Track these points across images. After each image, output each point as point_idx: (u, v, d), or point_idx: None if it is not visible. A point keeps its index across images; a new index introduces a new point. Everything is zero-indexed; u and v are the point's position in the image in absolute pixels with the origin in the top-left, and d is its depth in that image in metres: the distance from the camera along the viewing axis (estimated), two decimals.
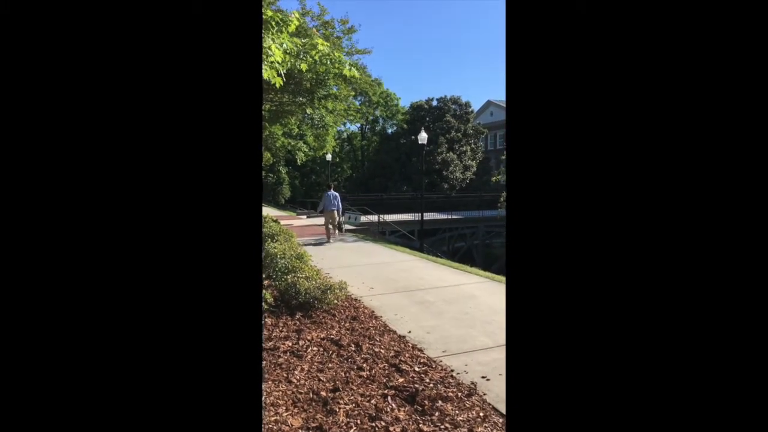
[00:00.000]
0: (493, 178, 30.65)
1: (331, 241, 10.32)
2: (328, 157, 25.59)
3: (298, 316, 4.30)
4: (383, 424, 2.44)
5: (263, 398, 2.68)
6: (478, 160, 31.97)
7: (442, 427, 2.43)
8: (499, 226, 20.71)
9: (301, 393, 2.78)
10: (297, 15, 3.01)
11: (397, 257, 8.28)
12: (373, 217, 16.88)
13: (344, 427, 2.41)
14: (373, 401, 2.68)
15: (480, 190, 27.56)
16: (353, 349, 3.53)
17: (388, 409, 2.59)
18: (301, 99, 9.45)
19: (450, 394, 2.77)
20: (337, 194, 10.42)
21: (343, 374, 3.06)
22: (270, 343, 3.59)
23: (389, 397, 2.73)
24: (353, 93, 12.06)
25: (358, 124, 36.99)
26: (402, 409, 2.61)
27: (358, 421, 2.46)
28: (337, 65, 3.39)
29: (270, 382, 2.91)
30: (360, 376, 3.03)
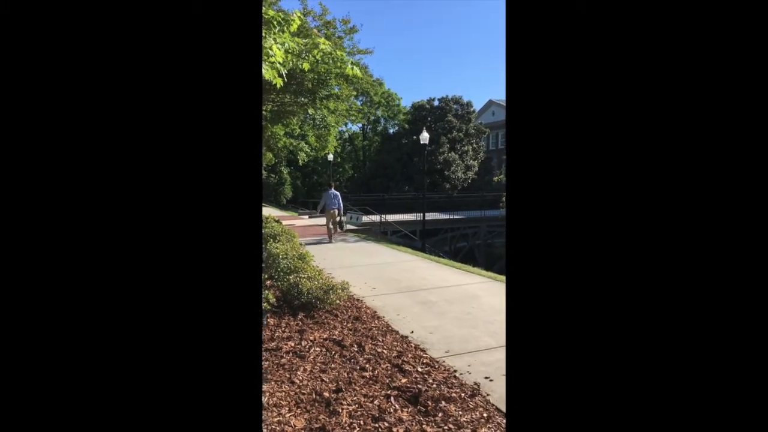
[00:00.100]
0: (495, 178, 30.71)
1: (333, 241, 10.33)
2: (330, 157, 25.61)
3: (300, 317, 4.30)
4: (386, 424, 2.43)
5: (266, 399, 2.67)
6: (479, 160, 31.95)
7: (446, 428, 2.41)
8: (501, 226, 20.67)
9: (304, 393, 2.77)
10: (299, 14, 3.01)
11: (399, 257, 8.27)
12: (375, 217, 16.88)
13: (347, 427, 2.40)
14: (376, 402, 2.67)
15: (482, 190, 27.55)
16: (356, 349, 3.52)
17: (392, 410, 2.58)
18: (302, 99, 9.45)
19: (453, 394, 2.76)
20: (337, 193, 10.47)
21: (345, 375, 3.05)
22: (273, 344, 3.58)
23: (392, 398, 2.72)
24: (355, 93, 12.06)
25: (360, 125, 37.03)
26: (405, 409, 2.60)
27: (361, 422, 2.45)
28: (339, 64, 3.38)
29: (273, 383, 2.90)
30: (363, 377, 3.02)
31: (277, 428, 2.39)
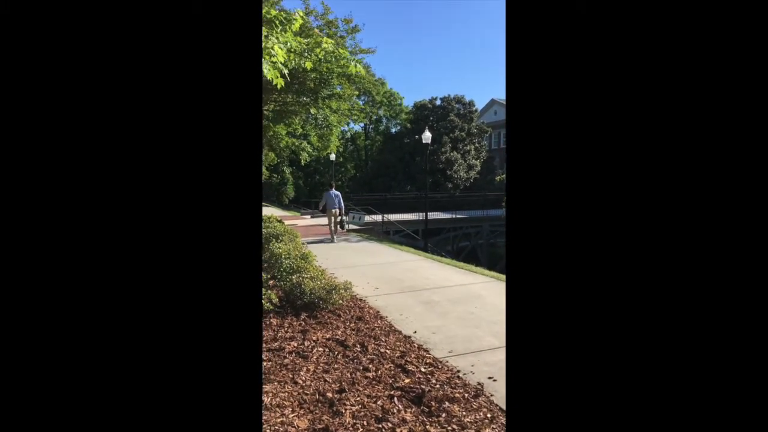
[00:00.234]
0: (498, 178, 30.65)
1: (335, 240, 10.34)
2: (332, 157, 25.61)
3: (303, 317, 4.29)
4: (390, 425, 2.42)
5: (269, 399, 2.67)
6: (482, 159, 31.90)
7: (449, 428, 2.40)
8: (504, 226, 20.57)
9: (307, 394, 2.76)
10: (301, 14, 3.00)
11: (401, 257, 8.27)
12: (377, 217, 16.88)
13: (351, 428, 2.40)
14: (379, 402, 2.66)
15: (484, 190, 27.50)
16: (359, 349, 3.51)
17: (395, 411, 2.57)
18: (304, 99, 9.46)
19: (457, 395, 2.75)
20: (338, 193, 10.53)
21: (349, 375, 3.04)
22: (275, 344, 3.57)
23: (396, 398, 2.71)
24: (357, 92, 12.06)
25: (362, 124, 37.04)
26: (409, 410, 2.59)
27: (365, 423, 2.44)
28: (342, 62, 3.37)
29: (276, 383, 2.89)
30: (366, 377, 3.01)
31: (281, 429, 2.38)
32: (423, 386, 2.86)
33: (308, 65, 3.17)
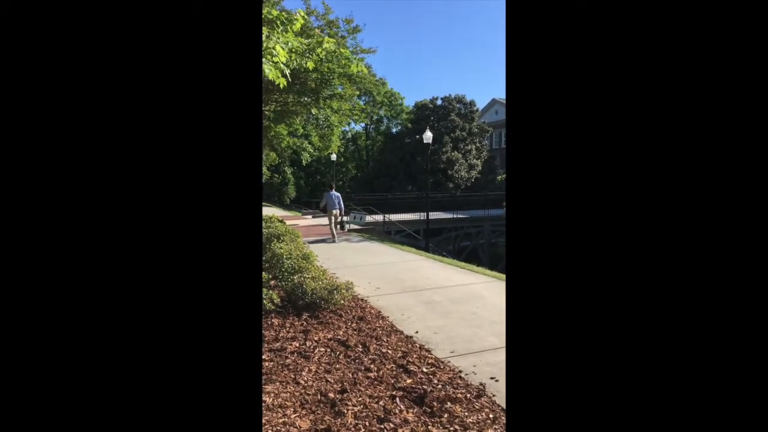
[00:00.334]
0: (499, 177, 30.65)
1: (336, 240, 10.36)
2: (333, 157, 25.61)
3: (304, 317, 4.29)
4: (392, 426, 2.41)
5: (271, 400, 2.66)
6: (483, 159, 31.88)
7: (452, 429, 2.40)
8: (505, 225, 20.59)
9: (309, 394, 2.76)
10: (302, 14, 3.00)
11: (402, 257, 8.26)
12: (378, 217, 16.87)
13: (353, 428, 2.39)
14: (381, 403, 2.65)
15: (485, 189, 27.48)
16: (360, 349, 3.51)
17: (397, 411, 2.57)
18: (306, 99, 9.47)
19: (459, 395, 2.74)
20: (338, 194, 10.60)
21: (350, 375, 3.04)
22: (277, 344, 3.57)
23: (397, 399, 2.71)
24: (358, 93, 12.06)
25: (363, 124, 37.05)
26: (411, 410, 2.58)
27: (367, 423, 2.44)
28: (343, 62, 3.37)
29: (278, 384, 2.89)
30: (368, 377, 3.01)
31: (283, 429, 2.38)
32: (425, 386, 2.85)
33: (310, 65, 3.16)
